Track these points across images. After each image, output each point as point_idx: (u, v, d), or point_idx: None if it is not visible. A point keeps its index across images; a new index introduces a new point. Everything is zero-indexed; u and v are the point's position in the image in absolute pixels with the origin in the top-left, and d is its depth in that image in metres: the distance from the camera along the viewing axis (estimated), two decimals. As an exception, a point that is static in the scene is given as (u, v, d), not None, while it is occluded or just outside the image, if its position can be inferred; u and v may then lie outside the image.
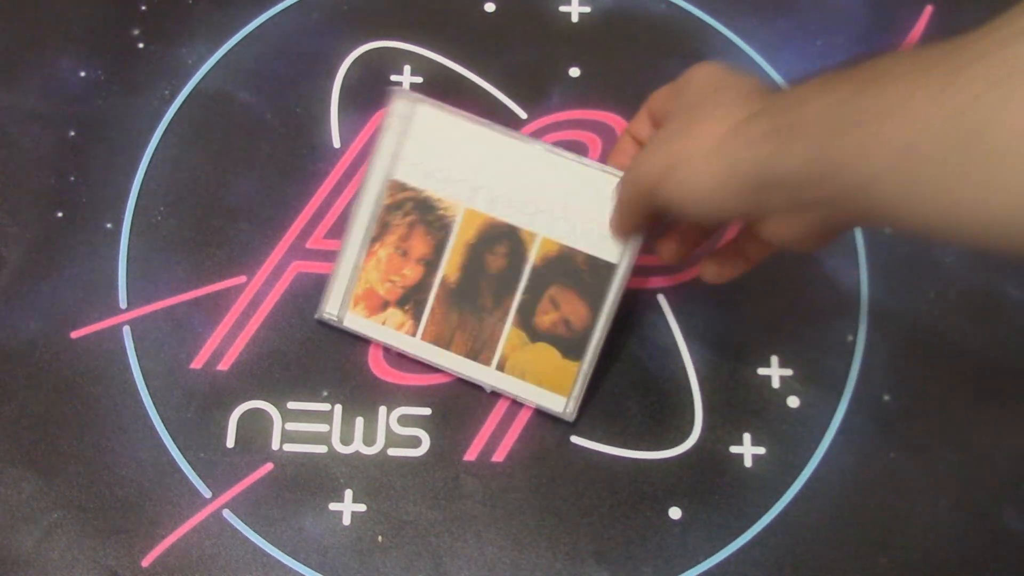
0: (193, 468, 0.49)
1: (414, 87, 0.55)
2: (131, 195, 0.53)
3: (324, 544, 0.47)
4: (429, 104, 0.50)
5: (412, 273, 0.50)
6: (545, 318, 0.49)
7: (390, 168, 0.50)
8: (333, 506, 0.48)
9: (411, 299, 0.50)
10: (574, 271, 0.49)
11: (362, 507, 0.48)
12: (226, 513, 0.48)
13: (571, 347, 0.49)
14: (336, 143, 0.54)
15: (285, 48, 0.56)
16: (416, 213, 0.50)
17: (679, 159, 0.38)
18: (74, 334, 0.51)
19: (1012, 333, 0.51)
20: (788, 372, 0.51)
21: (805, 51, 0.57)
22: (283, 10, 0.57)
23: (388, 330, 0.50)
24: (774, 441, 0.49)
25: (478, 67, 0.56)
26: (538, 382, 0.49)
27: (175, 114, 0.55)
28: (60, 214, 0.53)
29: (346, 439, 0.49)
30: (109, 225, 0.53)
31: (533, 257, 0.49)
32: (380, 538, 0.48)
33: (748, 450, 0.49)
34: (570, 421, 0.49)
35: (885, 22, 0.58)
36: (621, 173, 0.46)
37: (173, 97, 0.55)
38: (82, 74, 0.55)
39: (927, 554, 0.48)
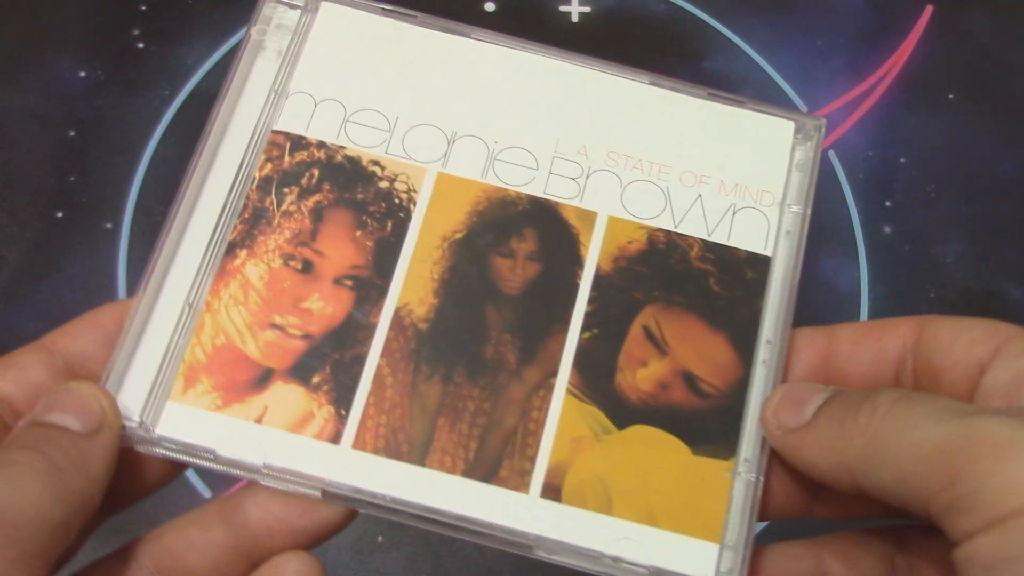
0: (193, 468, 0.48)
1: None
2: (131, 195, 0.53)
3: (324, 544, 0.47)
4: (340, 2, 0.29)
5: (327, 307, 0.26)
6: (643, 374, 0.26)
7: (264, 111, 0.28)
8: (333, 506, 0.48)
9: (325, 362, 0.26)
10: (686, 275, 0.26)
11: (362, 507, 0.48)
12: (226, 513, 0.48)
13: (707, 429, 0.26)
14: (336, 143, 0.54)
15: (285, 48, 0.56)
16: (328, 189, 0.27)
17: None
18: (74, 334, 0.51)
19: (1012, 333, 0.51)
20: (788, 372, 0.51)
21: (805, 51, 0.57)
22: (283, 10, 0.57)
23: (271, 435, 0.25)
24: (774, 441, 0.49)
25: (478, 67, 0.56)
26: (648, 516, 0.25)
27: (175, 114, 0.55)
28: (60, 214, 0.53)
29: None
30: (109, 225, 0.53)
31: (595, 256, 0.27)
32: (380, 538, 0.48)
33: (748, 450, 0.49)
34: None
35: (885, 22, 0.57)
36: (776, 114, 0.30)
37: (173, 97, 0.55)
38: (82, 74, 0.55)
39: (927, 554, 0.48)
